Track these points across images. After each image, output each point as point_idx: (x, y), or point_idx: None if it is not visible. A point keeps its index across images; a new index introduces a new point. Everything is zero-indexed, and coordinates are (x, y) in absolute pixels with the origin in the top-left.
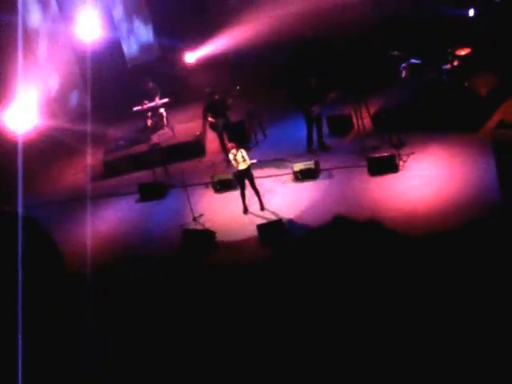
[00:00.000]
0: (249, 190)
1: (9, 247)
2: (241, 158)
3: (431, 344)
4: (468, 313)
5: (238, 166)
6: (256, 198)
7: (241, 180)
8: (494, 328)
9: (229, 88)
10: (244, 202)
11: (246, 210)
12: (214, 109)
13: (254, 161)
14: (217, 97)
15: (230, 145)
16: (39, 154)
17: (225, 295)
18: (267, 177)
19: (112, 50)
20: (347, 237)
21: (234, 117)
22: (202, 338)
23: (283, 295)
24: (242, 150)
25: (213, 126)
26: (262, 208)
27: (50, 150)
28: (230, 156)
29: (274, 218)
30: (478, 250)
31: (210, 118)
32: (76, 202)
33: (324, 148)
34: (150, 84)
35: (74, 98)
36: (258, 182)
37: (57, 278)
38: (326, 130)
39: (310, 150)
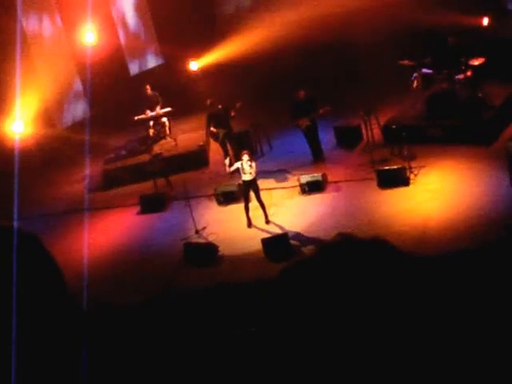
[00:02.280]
0: (253, 203)
1: (5, 265)
2: (248, 168)
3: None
4: (478, 338)
5: (243, 176)
6: (261, 211)
7: (246, 191)
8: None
9: (231, 101)
10: (248, 215)
11: (249, 224)
12: (217, 119)
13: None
14: (220, 107)
15: (244, 151)
16: (37, 163)
17: (227, 310)
18: (273, 189)
19: (113, 57)
20: (350, 256)
21: (239, 127)
22: (202, 355)
23: (287, 312)
24: (253, 162)
25: (214, 137)
26: (267, 221)
27: (48, 159)
28: (238, 163)
29: (279, 231)
30: (492, 268)
31: (211, 128)
32: (74, 214)
33: (316, 161)
34: (149, 90)
35: (73, 107)
36: (263, 194)
37: (57, 299)
38: (333, 141)
39: (314, 162)
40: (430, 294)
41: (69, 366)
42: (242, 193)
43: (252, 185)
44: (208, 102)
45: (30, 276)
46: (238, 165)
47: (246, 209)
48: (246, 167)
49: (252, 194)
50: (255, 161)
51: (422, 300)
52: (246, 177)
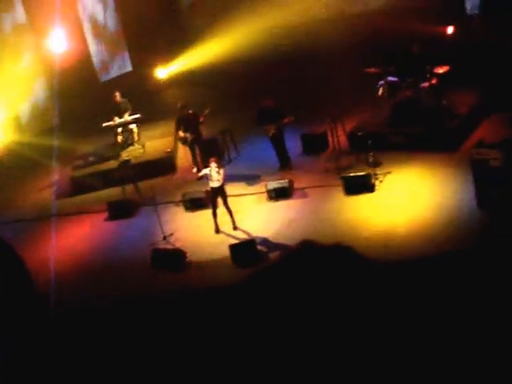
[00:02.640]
0: (221, 209)
1: None
2: (216, 175)
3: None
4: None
5: (211, 183)
6: (228, 217)
7: (213, 198)
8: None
9: (199, 108)
10: (216, 221)
11: (217, 230)
12: (186, 123)
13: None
14: (190, 111)
15: (212, 159)
16: (6, 170)
17: (194, 316)
18: (240, 195)
19: (82, 64)
20: (313, 263)
21: (207, 133)
22: (168, 361)
23: (253, 318)
24: (221, 169)
25: (182, 140)
26: (235, 227)
27: (15, 165)
28: (207, 170)
29: (246, 237)
30: (456, 271)
31: (180, 132)
32: (43, 220)
33: (283, 168)
34: (118, 96)
35: (40, 112)
36: (231, 200)
37: (25, 297)
38: (299, 148)
39: (281, 169)
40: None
41: (36, 363)
42: (210, 199)
43: (220, 191)
44: (179, 105)
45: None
46: (206, 171)
47: (214, 215)
48: (214, 174)
49: (220, 201)
50: (223, 168)
51: (385, 304)
52: (214, 184)
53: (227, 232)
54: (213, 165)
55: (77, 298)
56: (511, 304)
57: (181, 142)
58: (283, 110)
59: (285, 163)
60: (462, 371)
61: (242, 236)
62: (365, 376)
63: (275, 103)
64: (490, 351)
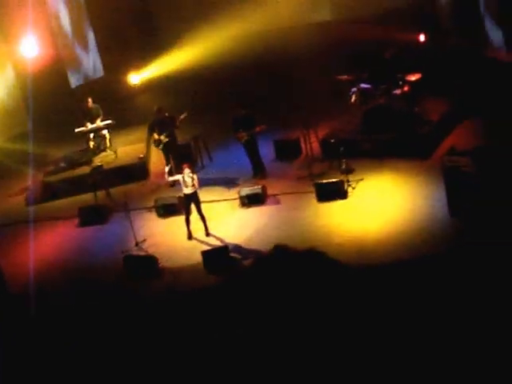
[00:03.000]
0: (194, 215)
1: None
2: (189, 181)
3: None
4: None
5: (184, 189)
6: (201, 224)
7: (187, 204)
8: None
9: (175, 113)
10: (188, 228)
11: (190, 236)
12: (161, 126)
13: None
14: (166, 114)
15: (184, 165)
16: None
17: (166, 322)
18: (213, 201)
19: (53, 69)
20: (287, 267)
21: (180, 139)
22: (142, 368)
23: (226, 324)
24: (194, 175)
25: (156, 143)
26: (208, 234)
27: None
28: (179, 176)
29: (219, 244)
30: (428, 277)
31: (155, 135)
32: (14, 226)
33: (256, 175)
34: (90, 103)
35: (12, 117)
36: (203, 206)
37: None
38: (272, 155)
39: (254, 176)
40: (365, 304)
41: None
42: (183, 205)
43: (193, 198)
44: (155, 108)
45: None
46: (179, 177)
47: (187, 221)
48: (188, 180)
49: (193, 207)
50: (196, 174)
51: (358, 309)
52: (188, 190)
53: (200, 238)
54: (186, 171)
55: (49, 304)
56: (484, 307)
57: (155, 145)
58: (255, 118)
59: (258, 171)
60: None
61: (215, 242)
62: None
63: (248, 111)
64: (466, 354)
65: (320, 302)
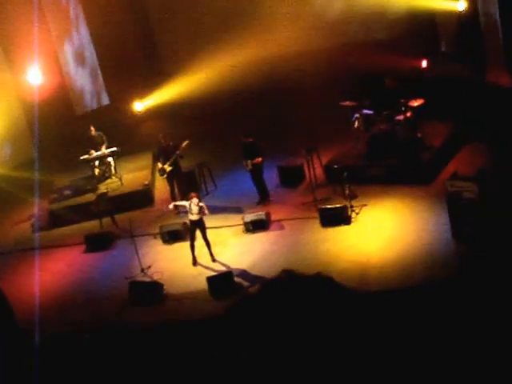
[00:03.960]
0: (199, 241)
1: None
2: (196, 209)
3: None
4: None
5: (190, 216)
6: (206, 249)
7: (192, 230)
8: None
9: (179, 140)
10: (193, 253)
11: (195, 262)
12: (166, 155)
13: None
14: (171, 143)
15: (192, 194)
16: None
17: (172, 349)
18: (218, 227)
19: (59, 97)
20: (294, 292)
21: (185, 166)
22: None
23: (232, 351)
24: (202, 203)
25: (160, 172)
26: (213, 259)
27: None
28: (186, 203)
29: (224, 269)
30: (432, 303)
31: (159, 164)
32: (20, 253)
33: (260, 202)
34: (93, 131)
35: (18, 145)
36: (208, 232)
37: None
38: (276, 180)
39: (259, 203)
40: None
41: None
42: (189, 231)
43: (199, 224)
44: (160, 136)
45: None
46: (185, 203)
47: (192, 247)
48: (194, 208)
49: (198, 233)
50: (203, 202)
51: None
52: (193, 217)
53: (205, 264)
54: (194, 200)
55: (54, 332)
56: (487, 331)
57: (159, 174)
58: (259, 148)
59: (263, 197)
60: None
61: (220, 268)
62: None
63: (254, 139)
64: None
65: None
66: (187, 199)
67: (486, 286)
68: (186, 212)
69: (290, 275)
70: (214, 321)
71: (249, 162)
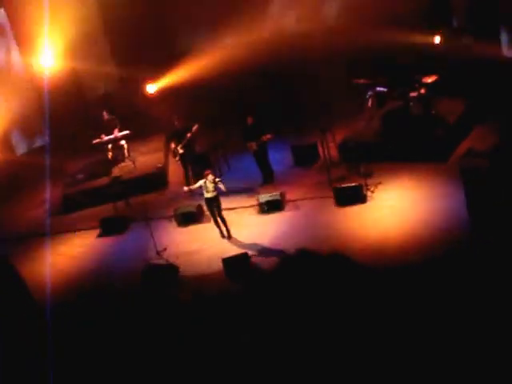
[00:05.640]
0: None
1: None
2: (211, 187)
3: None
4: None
5: (205, 194)
6: (223, 228)
7: (210, 208)
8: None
9: (191, 123)
10: (220, 228)
11: (223, 235)
12: (179, 136)
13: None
14: (183, 125)
15: (207, 171)
16: None
17: (187, 331)
18: (232, 209)
19: (70, 81)
20: (312, 270)
21: (199, 148)
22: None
23: (248, 331)
24: (217, 179)
25: (174, 153)
26: (229, 236)
27: (5, 184)
28: (202, 181)
29: (239, 250)
30: (448, 279)
31: (173, 145)
32: (36, 238)
33: (265, 183)
34: (106, 115)
35: (30, 131)
36: (223, 213)
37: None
38: (290, 160)
39: (263, 184)
40: (386, 305)
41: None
42: (207, 209)
43: (215, 201)
44: (174, 117)
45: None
46: (201, 182)
47: (216, 223)
48: (210, 186)
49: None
50: (219, 179)
51: (380, 311)
52: (209, 194)
53: (220, 245)
54: (209, 177)
55: (70, 314)
56: (502, 309)
57: (172, 156)
58: (264, 127)
59: (267, 178)
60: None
61: (236, 249)
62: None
63: (256, 120)
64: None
65: (344, 304)
66: (201, 178)
67: (501, 261)
68: (201, 193)
69: (307, 255)
70: (229, 301)
71: (253, 143)
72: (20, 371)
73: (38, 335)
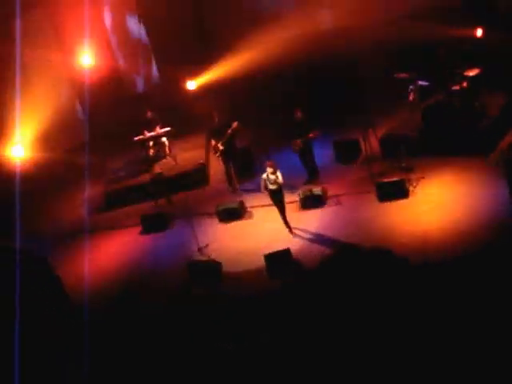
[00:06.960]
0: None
1: (9, 283)
2: (273, 178)
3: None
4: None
5: (270, 186)
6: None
7: (274, 200)
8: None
9: (232, 120)
10: (286, 222)
11: (290, 230)
12: (220, 134)
13: None
14: (224, 122)
15: (268, 163)
16: (37, 187)
17: (231, 328)
18: (273, 205)
19: (111, 79)
20: (356, 266)
21: (240, 144)
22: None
23: (291, 328)
24: (278, 172)
25: (215, 150)
26: (291, 232)
27: (47, 182)
28: (264, 175)
29: (281, 247)
30: (492, 274)
31: (213, 142)
32: (77, 236)
33: (310, 181)
34: (149, 113)
35: (71, 129)
36: (265, 210)
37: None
38: (332, 156)
39: (308, 182)
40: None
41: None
42: (272, 201)
43: (276, 194)
44: (214, 113)
45: (38, 293)
46: (263, 176)
47: (282, 215)
48: (271, 177)
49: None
50: (250, 176)
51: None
52: (271, 186)
53: (263, 242)
54: (268, 169)
55: (113, 311)
56: None
57: (213, 153)
58: (309, 124)
59: (312, 176)
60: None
61: (278, 245)
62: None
63: (303, 115)
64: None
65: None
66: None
67: None
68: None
69: (350, 250)
70: (272, 298)
71: (298, 141)
72: (53, 370)
73: (74, 336)
